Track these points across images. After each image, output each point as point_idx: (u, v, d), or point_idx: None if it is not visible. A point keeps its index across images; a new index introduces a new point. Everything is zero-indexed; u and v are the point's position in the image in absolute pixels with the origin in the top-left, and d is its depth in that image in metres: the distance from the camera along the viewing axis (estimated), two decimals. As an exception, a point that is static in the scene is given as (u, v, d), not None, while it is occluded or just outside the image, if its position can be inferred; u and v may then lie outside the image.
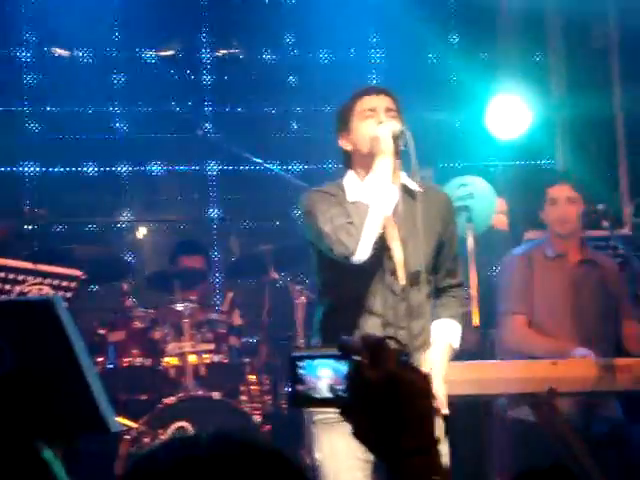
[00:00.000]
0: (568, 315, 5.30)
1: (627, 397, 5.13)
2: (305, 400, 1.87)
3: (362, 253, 3.72)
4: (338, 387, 1.82)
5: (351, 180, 3.96)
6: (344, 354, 1.80)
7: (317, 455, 3.88)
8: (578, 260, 5.40)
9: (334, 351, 1.83)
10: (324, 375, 1.84)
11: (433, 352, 3.86)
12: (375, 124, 3.84)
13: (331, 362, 1.84)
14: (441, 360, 3.85)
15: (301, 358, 1.86)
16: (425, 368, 3.77)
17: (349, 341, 1.80)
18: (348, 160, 3.99)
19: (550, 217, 5.39)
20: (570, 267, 5.39)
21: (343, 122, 3.95)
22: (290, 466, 1.31)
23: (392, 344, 1.78)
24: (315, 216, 3.84)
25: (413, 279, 3.79)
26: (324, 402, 1.86)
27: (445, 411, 3.78)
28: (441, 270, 4.01)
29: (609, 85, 7.40)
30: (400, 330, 3.79)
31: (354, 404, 1.75)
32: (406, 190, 3.88)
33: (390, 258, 3.86)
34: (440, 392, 3.78)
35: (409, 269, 3.79)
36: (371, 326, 3.82)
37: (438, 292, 4.04)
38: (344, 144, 3.97)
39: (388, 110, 3.88)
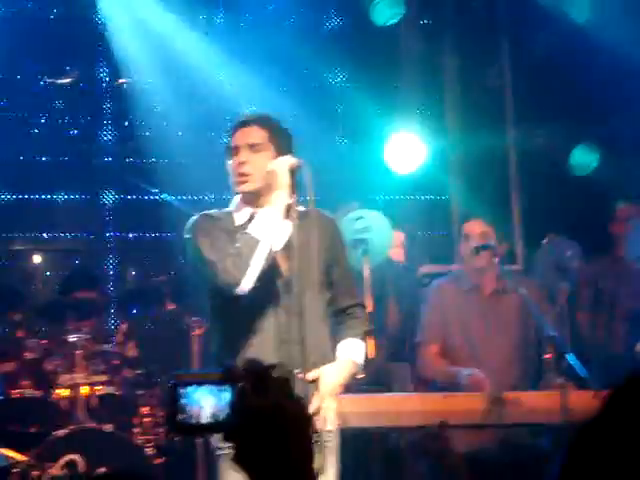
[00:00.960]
0: (483, 344, 5.43)
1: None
2: (187, 428, 1.88)
3: (246, 285, 3.72)
4: (220, 413, 1.83)
5: (237, 205, 3.97)
6: (227, 380, 1.80)
7: None
8: (492, 290, 5.53)
9: (215, 377, 1.83)
10: (206, 404, 1.85)
11: (328, 366, 3.83)
12: (236, 163, 3.86)
13: (213, 388, 1.84)
14: (334, 374, 3.83)
15: (182, 385, 1.87)
16: (318, 383, 3.76)
17: (232, 367, 1.80)
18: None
19: (464, 251, 5.54)
20: (484, 298, 5.53)
21: (226, 155, 3.97)
22: None
23: (277, 372, 1.79)
24: (200, 242, 3.82)
25: (303, 290, 3.77)
26: (206, 429, 1.87)
27: (329, 427, 3.76)
28: (338, 289, 4.00)
29: (503, 123, 7.56)
30: (295, 345, 3.77)
31: (237, 431, 1.75)
32: (298, 214, 3.87)
33: (280, 273, 3.85)
34: (326, 407, 3.76)
35: (301, 281, 3.76)
36: (265, 344, 3.79)
37: (340, 313, 4.03)
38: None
39: (252, 146, 3.87)
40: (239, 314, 3.83)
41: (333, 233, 4.05)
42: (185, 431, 1.89)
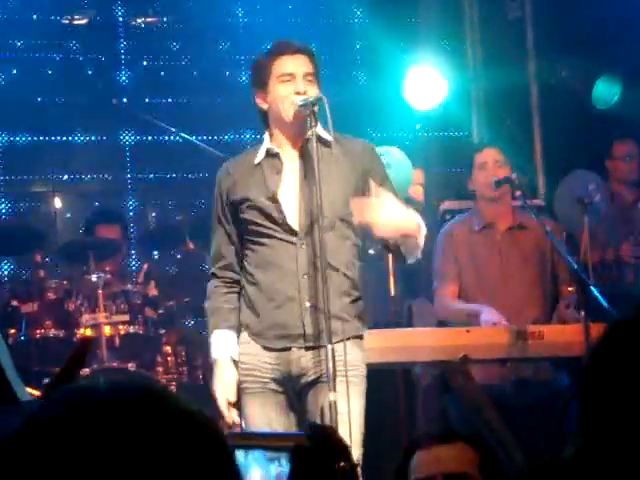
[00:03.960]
0: (497, 285, 5.32)
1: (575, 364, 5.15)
2: None
3: None
4: None
5: (264, 142, 3.94)
6: (310, 447, 1.48)
7: (243, 423, 3.88)
8: (507, 227, 5.41)
9: (272, 441, 1.54)
10: (254, 475, 1.58)
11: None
12: (292, 91, 3.79)
13: (263, 457, 1.56)
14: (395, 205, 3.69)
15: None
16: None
17: (322, 430, 1.50)
18: (264, 117, 3.95)
19: (479, 181, 5.36)
20: (497, 236, 5.39)
21: (260, 80, 3.88)
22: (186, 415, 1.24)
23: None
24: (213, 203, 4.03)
25: (309, 227, 3.76)
26: None
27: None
28: None
29: (524, 56, 7.45)
30: (304, 277, 3.77)
31: None
32: (320, 140, 3.82)
33: (280, 209, 3.82)
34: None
35: (305, 217, 3.77)
36: (276, 277, 3.80)
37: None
38: (260, 102, 3.91)
39: (306, 75, 3.81)
40: (254, 248, 3.85)
41: (369, 157, 3.92)
42: None
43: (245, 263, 3.92)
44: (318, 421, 3.70)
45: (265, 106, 3.89)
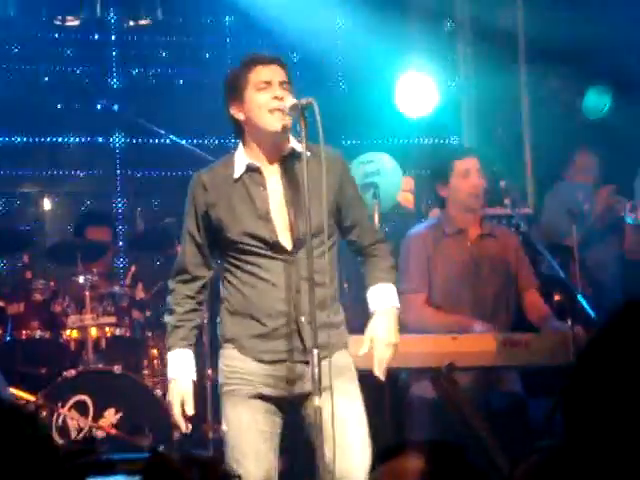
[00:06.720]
0: (467, 291, 5.30)
1: (525, 372, 5.20)
2: None
3: None
4: None
5: (240, 154, 3.89)
6: (148, 472, 1.49)
7: (223, 427, 3.86)
8: (477, 235, 5.39)
9: (136, 465, 1.51)
10: None
11: (376, 318, 3.87)
12: (270, 97, 3.79)
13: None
14: (385, 324, 3.86)
15: (92, 471, 1.54)
16: (368, 333, 3.82)
17: (161, 455, 1.51)
18: (239, 128, 3.91)
19: (462, 190, 5.30)
20: (469, 242, 5.36)
21: (235, 91, 3.85)
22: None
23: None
24: (185, 215, 3.93)
25: (299, 243, 3.75)
26: None
27: (381, 377, 3.83)
28: (360, 228, 3.95)
29: (515, 66, 7.47)
30: (297, 293, 3.77)
31: None
32: (295, 155, 3.81)
33: (272, 227, 3.80)
34: (382, 357, 3.81)
35: (296, 233, 3.76)
36: (268, 294, 3.78)
37: (363, 251, 3.99)
38: (235, 112, 3.88)
39: (282, 83, 3.81)
40: (251, 267, 3.81)
41: (341, 172, 3.94)
42: None
43: (231, 278, 3.86)
44: (315, 427, 3.67)
45: (241, 116, 3.86)
